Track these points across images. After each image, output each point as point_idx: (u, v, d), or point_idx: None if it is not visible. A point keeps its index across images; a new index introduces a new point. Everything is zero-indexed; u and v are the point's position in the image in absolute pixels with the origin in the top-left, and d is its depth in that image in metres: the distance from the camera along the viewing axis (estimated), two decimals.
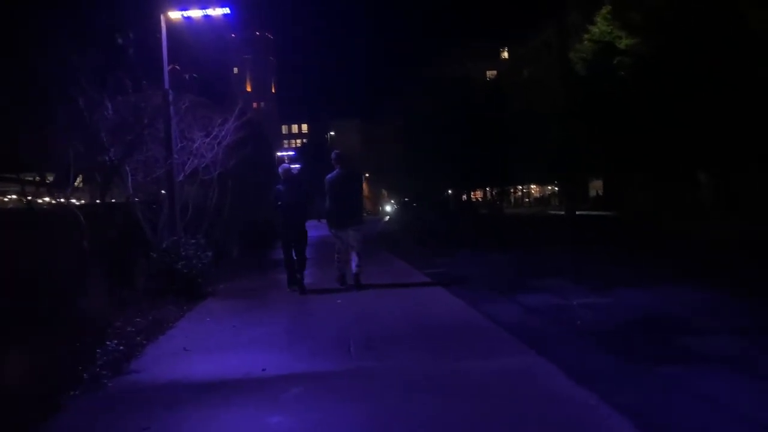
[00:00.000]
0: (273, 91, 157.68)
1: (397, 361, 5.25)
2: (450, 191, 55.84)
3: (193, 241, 9.96)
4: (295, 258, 10.13)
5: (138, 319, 7.97)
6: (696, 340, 5.51)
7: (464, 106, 44.04)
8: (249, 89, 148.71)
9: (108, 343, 6.21)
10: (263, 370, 5.17)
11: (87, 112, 8.37)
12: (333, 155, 10.29)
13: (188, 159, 11.37)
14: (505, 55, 79.08)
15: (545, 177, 40.51)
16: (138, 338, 6.77)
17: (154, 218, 11.01)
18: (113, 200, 13.63)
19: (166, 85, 10.06)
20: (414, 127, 47.19)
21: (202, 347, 6.25)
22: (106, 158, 8.69)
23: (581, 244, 16.94)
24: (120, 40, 8.43)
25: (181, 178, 11.35)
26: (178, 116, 10.98)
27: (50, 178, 10.57)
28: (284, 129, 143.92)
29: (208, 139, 11.27)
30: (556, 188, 64.23)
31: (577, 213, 30.64)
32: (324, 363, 5.32)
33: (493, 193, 52.42)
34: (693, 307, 7.26)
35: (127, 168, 9.30)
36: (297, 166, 58.41)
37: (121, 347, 6.18)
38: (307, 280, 10.50)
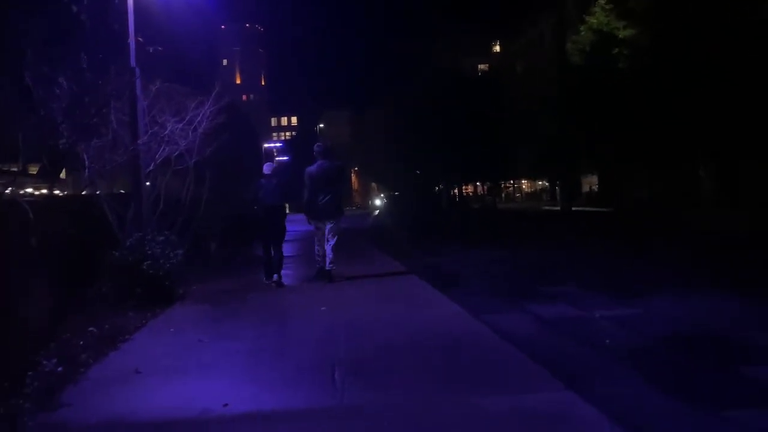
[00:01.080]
0: (263, 83, 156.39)
1: (394, 394, 4.21)
2: (441, 185, 54.85)
3: (161, 237, 8.87)
4: (273, 255, 10.24)
5: (92, 329, 6.93)
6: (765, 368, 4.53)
7: (456, 98, 43.07)
8: (239, 81, 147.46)
9: (45, 362, 5.16)
10: (225, 405, 4.13)
11: (35, 90, 7.24)
12: (315, 147, 10.26)
13: (160, 147, 10.28)
14: (497, 48, 78.12)
15: (538, 171, 39.57)
16: (83, 355, 5.71)
17: (123, 212, 9.95)
18: (86, 192, 12.57)
19: (133, 63, 8.94)
20: (404, 119, 46.12)
21: (158, 369, 5.19)
22: (59, 143, 7.56)
23: (583, 240, 15.97)
24: (75, 7, 7.30)
25: (151, 167, 10.26)
26: (148, 100, 9.88)
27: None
28: (273, 121, 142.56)
29: (181, 124, 10.16)
30: (547, 184, 63.51)
31: (573, 209, 29.72)
32: (301, 395, 4.28)
33: (485, 187, 51.47)
34: (740, 318, 6.30)
35: (84, 155, 8.16)
36: (284, 158, 57.23)
37: (60, 368, 5.12)
38: (289, 279, 9.61)
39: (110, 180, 11.18)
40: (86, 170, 8.36)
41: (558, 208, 32.40)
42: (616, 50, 27.45)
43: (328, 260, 9.90)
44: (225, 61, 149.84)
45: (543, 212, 32.40)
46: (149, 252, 8.54)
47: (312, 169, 10.00)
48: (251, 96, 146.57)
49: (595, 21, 29.46)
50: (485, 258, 13.14)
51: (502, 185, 52.06)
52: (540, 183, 65.22)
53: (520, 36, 54.96)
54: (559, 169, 32.11)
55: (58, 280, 8.49)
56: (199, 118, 10.69)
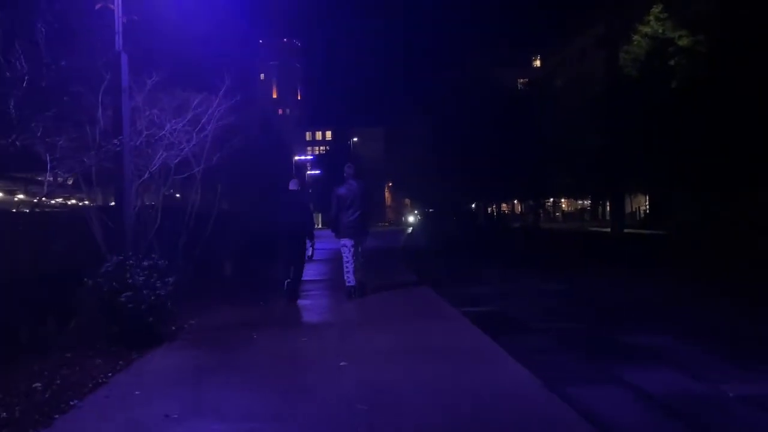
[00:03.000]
0: (299, 97, 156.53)
1: None
2: (476, 203, 52.74)
3: (146, 263, 7.15)
4: (292, 275, 9.94)
5: (37, 384, 5.26)
6: None
7: (495, 112, 41.13)
8: (275, 95, 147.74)
9: None
10: None
11: None
12: (346, 168, 10.31)
13: (158, 152, 8.62)
14: (537, 63, 76.09)
15: (584, 189, 37.17)
16: None
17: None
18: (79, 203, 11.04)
19: (119, 46, 7.29)
20: (441, 133, 44.25)
21: None
22: (11, 140, 5.91)
23: (653, 268, 13.79)
24: None
25: (146, 176, 8.61)
26: (142, 94, 8.25)
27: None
28: (308, 135, 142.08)
29: (182, 124, 8.49)
30: (587, 203, 60.75)
31: (625, 231, 27.42)
32: None
33: (526, 205, 49.04)
34: None
35: (47, 156, 6.49)
36: (315, 172, 55.81)
37: None
38: (310, 315, 7.83)
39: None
40: (47, 173, 6.66)
41: (607, 229, 30.10)
42: (674, 60, 25.37)
43: (354, 278, 9.97)
44: (262, 76, 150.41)
45: (591, 233, 30.10)
46: (130, 281, 6.83)
47: (341, 190, 10.05)
48: (287, 110, 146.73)
49: (649, 29, 27.43)
50: (541, 290, 11.18)
51: (545, 203, 49.65)
52: (580, 203, 62.56)
53: (562, 48, 52.84)
54: (608, 187, 29.87)
55: (23, 309, 6.87)
56: (205, 119, 9.03)
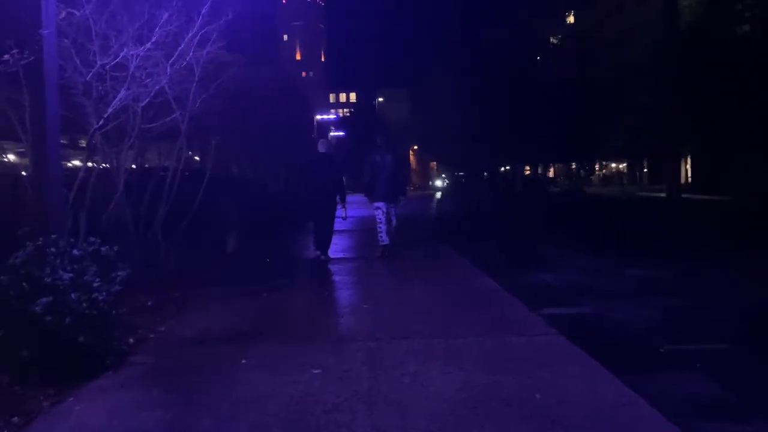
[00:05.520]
0: (322, 59, 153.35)
1: None
2: (510, 166, 49.68)
3: (77, 251, 4.73)
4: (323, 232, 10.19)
5: None
6: None
7: (530, 66, 38.03)
8: (299, 57, 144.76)
9: None
10: None
11: None
12: (378, 140, 10.98)
13: (116, 89, 6.14)
14: (571, 19, 71.91)
15: (634, 151, 34.05)
16: None
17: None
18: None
19: None
20: (471, 91, 41.17)
21: None
22: None
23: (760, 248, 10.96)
24: None
25: (99, 123, 6.14)
26: (90, 4, 5.73)
27: None
28: (332, 98, 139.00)
29: (143, 50, 5.96)
30: (623, 166, 57.25)
31: (683, 196, 24.53)
32: None
33: (560, 168, 46.16)
34: None
35: None
36: (339, 134, 53.18)
37: None
38: (334, 314, 5.38)
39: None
40: None
41: (659, 194, 27.29)
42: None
43: (388, 237, 10.41)
44: (285, 37, 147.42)
45: (646, 200, 27.20)
46: (49, 279, 4.42)
47: (375, 157, 10.38)
48: (311, 72, 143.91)
49: None
50: (630, 277, 8.58)
51: (591, 166, 46.59)
52: (614, 166, 58.99)
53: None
54: (666, 148, 26.87)
55: None
56: (184, 45, 6.49)
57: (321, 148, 10.73)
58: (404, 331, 5.48)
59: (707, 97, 23.98)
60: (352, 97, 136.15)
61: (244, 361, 4.73)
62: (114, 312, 4.91)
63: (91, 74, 5.91)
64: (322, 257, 10.14)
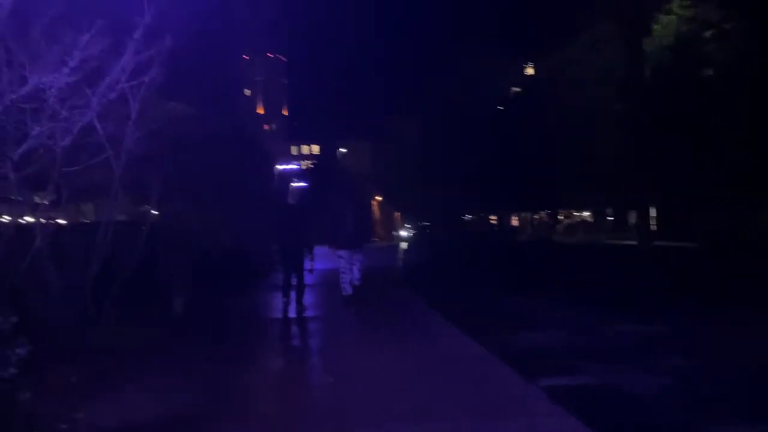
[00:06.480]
0: (285, 113, 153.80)
1: None
2: (475, 215, 49.27)
3: None
4: (294, 284, 9.99)
5: None
6: None
7: (491, 119, 37.99)
8: (261, 111, 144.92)
9: None
10: None
11: None
12: (339, 188, 12.37)
13: (33, 128, 5.13)
14: (530, 71, 73.22)
15: (598, 199, 33.86)
16: None
17: None
18: None
19: None
20: (438, 140, 40.94)
21: None
22: None
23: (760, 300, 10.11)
24: None
25: (7, 167, 5.13)
26: None
27: None
28: (294, 150, 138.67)
29: (53, 77, 4.99)
30: (587, 214, 57.38)
31: (654, 243, 24.06)
32: None
33: (533, 217, 45.76)
34: None
35: None
36: (301, 184, 52.23)
37: None
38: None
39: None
40: None
41: (628, 242, 26.86)
42: (710, 47, 22.13)
43: (351, 288, 10.47)
44: (248, 92, 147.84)
45: (616, 248, 26.71)
46: None
47: (337, 205, 10.57)
48: (273, 125, 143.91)
49: (673, 17, 24.26)
50: (622, 335, 7.73)
51: (558, 214, 46.36)
52: (576, 214, 59.08)
53: (560, 48, 50.04)
54: (632, 198, 26.58)
55: None
56: (120, 66, 5.55)
57: (289, 199, 11.04)
58: (377, 414, 4.46)
59: (674, 141, 23.89)
60: (315, 149, 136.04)
61: None
62: (12, 400, 3.82)
63: None
64: (284, 300, 9.82)
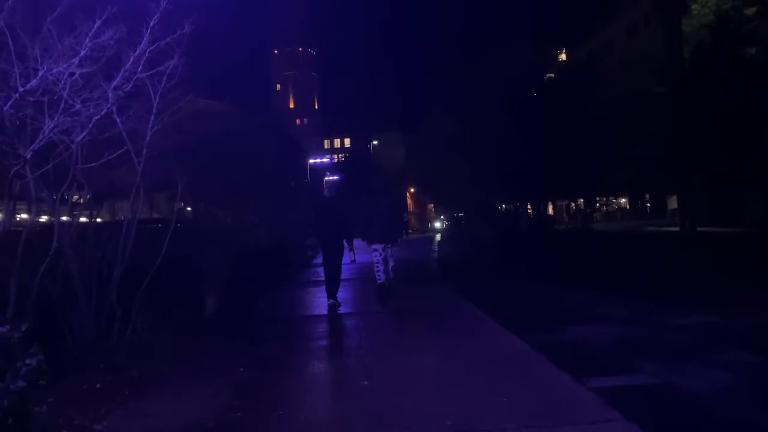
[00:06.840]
0: (316, 106, 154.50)
1: None
2: (509, 204, 48.42)
3: None
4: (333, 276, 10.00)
5: None
6: None
7: (528, 106, 37.04)
8: (292, 105, 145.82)
9: None
10: None
11: None
12: (373, 183, 11.88)
13: (49, 119, 4.87)
14: (563, 56, 71.81)
15: (646, 184, 32.86)
16: None
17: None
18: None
19: None
20: (470, 132, 40.22)
21: None
22: None
23: None
24: None
25: (21, 164, 4.88)
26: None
27: None
28: (326, 143, 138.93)
29: (67, 66, 4.70)
30: (624, 201, 56.09)
31: (698, 230, 23.19)
32: None
33: (569, 205, 44.66)
34: None
35: None
36: (333, 177, 52.13)
37: None
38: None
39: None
40: None
41: (670, 228, 26.00)
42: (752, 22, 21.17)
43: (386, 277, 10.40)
44: (278, 86, 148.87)
45: (657, 235, 25.87)
46: None
47: (371, 201, 10.49)
48: (305, 120, 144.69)
49: None
50: (678, 328, 7.20)
51: (598, 202, 45.32)
52: (614, 201, 57.77)
53: (596, 32, 48.82)
54: (673, 181, 25.68)
55: None
56: (131, 61, 5.26)
57: (327, 193, 11.10)
58: (416, 422, 4.09)
59: (718, 123, 22.91)
60: (347, 142, 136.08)
61: None
62: (22, 413, 3.55)
63: (11, 100, 4.65)
64: (330, 302, 9.83)
